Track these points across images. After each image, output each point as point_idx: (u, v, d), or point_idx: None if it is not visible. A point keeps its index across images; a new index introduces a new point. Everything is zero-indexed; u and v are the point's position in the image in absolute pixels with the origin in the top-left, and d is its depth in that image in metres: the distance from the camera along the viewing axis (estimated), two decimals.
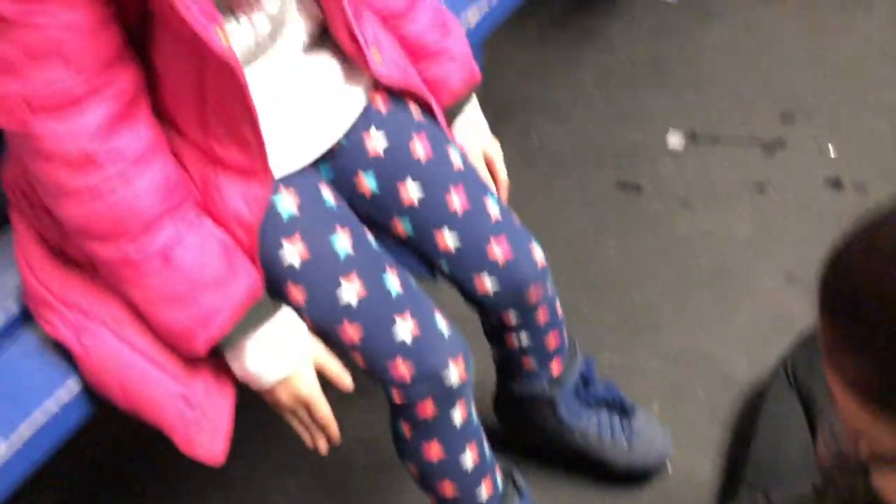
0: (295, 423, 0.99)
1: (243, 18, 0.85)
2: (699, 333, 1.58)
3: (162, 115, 0.85)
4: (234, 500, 1.40)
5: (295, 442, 1.03)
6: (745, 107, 2.01)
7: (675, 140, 1.94)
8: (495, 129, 1.25)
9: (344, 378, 0.97)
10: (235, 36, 0.84)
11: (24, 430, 0.92)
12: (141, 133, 0.81)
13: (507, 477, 1.15)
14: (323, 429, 0.99)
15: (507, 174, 1.23)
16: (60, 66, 0.73)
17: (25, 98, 0.73)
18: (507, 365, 1.24)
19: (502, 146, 1.23)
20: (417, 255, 1.09)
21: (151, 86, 0.84)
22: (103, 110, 0.77)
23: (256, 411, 1.01)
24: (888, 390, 0.51)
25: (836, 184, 1.80)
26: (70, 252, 0.91)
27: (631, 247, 1.73)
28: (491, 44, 1.55)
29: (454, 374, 0.99)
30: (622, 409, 1.30)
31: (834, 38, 2.17)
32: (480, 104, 1.20)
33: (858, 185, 1.79)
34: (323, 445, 1.00)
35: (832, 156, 1.87)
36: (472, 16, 1.27)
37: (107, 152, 0.78)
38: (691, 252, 1.71)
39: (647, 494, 1.37)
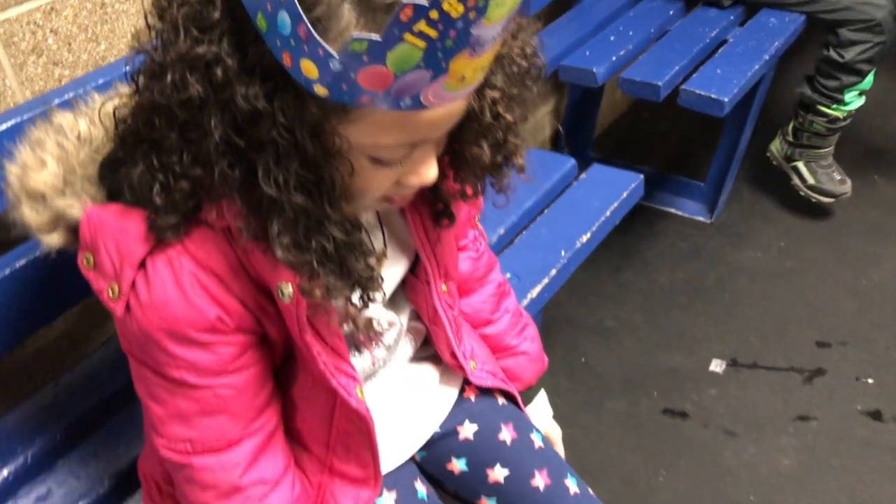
0: None
1: (365, 352, 0.97)
2: None
3: (290, 433, 0.95)
4: None
5: None
6: (782, 333, 2.11)
7: (716, 366, 2.03)
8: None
9: None
10: (356, 361, 0.95)
11: None
12: (278, 458, 0.90)
13: None
14: None
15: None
16: (225, 418, 0.84)
17: (191, 440, 0.84)
18: None
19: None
20: None
21: (286, 412, 0.94)
22: (252, 444, 0.87)
23: None
24: None
25: (876, 415, 1.88)
26: None
27: (679, 477, 1.79)
28: None
29: None
30: None
31: (866, 267, 2.31)
32: None
33: None
34: None
35: (869, 381, 1.96)
36: (536, 290, 1.41)
37: (251, 482, 0.87)
38: (737, 483, 1.77)
39: None
